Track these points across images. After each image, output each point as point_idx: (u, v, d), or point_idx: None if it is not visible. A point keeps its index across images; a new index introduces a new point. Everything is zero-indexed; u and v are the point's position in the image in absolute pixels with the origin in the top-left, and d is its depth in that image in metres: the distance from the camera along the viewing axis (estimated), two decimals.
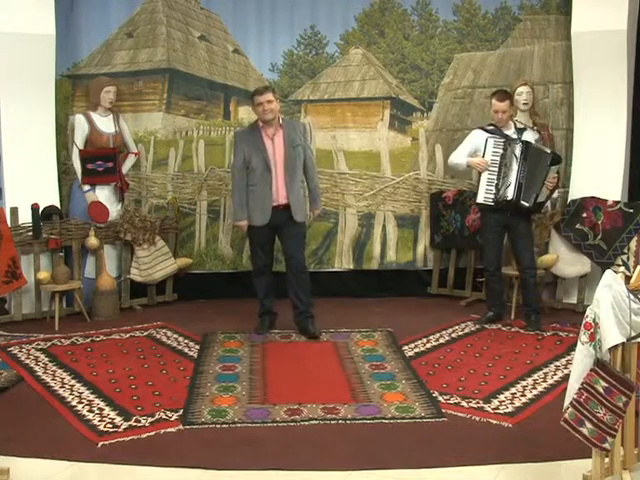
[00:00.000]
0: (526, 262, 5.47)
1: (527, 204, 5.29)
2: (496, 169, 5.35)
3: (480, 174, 5.45)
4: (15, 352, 4.96)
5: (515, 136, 5.39)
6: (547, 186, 5.34)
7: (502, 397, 4.15)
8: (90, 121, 5.98)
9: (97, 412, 3.97)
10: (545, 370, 4.59)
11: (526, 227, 5.49)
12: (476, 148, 5.48)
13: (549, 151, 5.37)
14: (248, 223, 5.18)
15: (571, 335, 5.16)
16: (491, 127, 5.49)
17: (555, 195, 6.05)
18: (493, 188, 5.36)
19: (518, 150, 5.29)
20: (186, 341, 5.25)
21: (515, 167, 5.28)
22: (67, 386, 4.36)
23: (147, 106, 6.42)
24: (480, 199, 5.43)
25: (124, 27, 6.34)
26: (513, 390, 4.26)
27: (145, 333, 5.44)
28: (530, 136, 5.45)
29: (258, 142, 5.10)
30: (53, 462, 3.42)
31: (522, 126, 5.58)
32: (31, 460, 3.45)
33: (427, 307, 6.22)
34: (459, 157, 5.57)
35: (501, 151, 5.34)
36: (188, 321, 5.72)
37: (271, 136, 5.12)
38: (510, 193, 5.29)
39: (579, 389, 2.97)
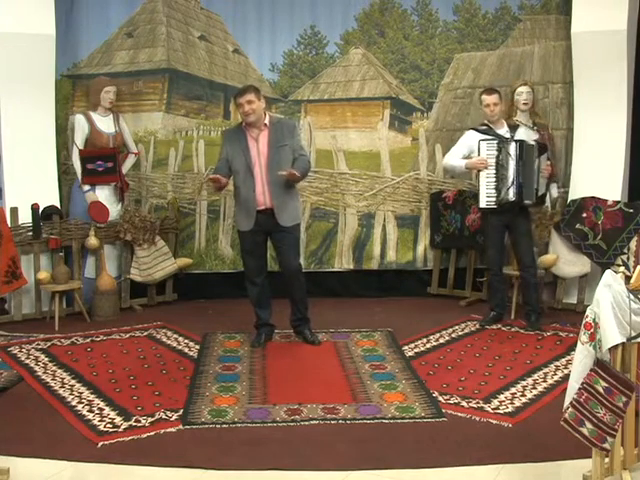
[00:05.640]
0: (527, 261, 5.47)
1: (530, 202, 5.31)
2: (493, 171, 5.34)
3: (479, 177, 5.44)
4: (15, 352, 4.97)
5: (508, 135, 5.39)
6: (543, 175, 5.37)
7: (502, 397, 4.15)
8: (90, 121, 5.98)
9: (97, 412, 3.97)
10: (545, 370, 4.59)
11: (526, 224, 5.49)
12: (470, 149, 5.47)
13: (533, 142, 5.36)
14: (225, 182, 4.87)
15: (571, 335, 5.17)
16: (484, 127, 5.49)
17: (555, 194, 6.06)
18: (493, 191, 5.34)
19: (512, 149, 5.27)
20: (186, 341, 5.25)
21: (512, 167, 5.27)
22: (67, 386, 4.36)
23: (147, 106, 6.42)
24: (482, 204, 5.41)
25: (124, 27, 6.35)
26: (513, 390, 4.26)
27: (145, 333, 5.44)
28: (524, 133, 5.45)
29: (242, 143, 4.87)
30: (53, 462, 3.42)
31: (514, 124, 5.58)
32: (31, 460, 3.45)
33: (427, 307, 6.22)
34: (455, 160, 5.55)
35: (495, 152, 5.32)
36: (188, 321, 5.72)
37: (255, 137, 4.88)
38: (512, 194, 5.29)
39: (579, 389, 2.97)
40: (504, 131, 5.44)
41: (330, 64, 6.56)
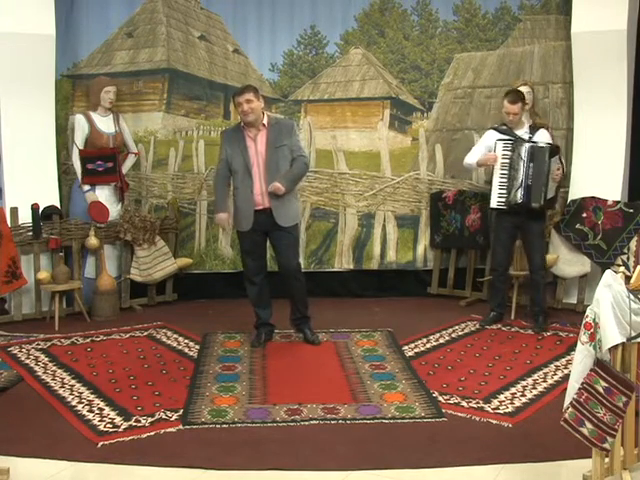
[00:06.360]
0: (538, 263, 5.46)
1: (537, 205, 5.27)
2: (506, 172, 5.33)
3: (492, 177, 5.42)
4: (15, 352, 4.97)
5: (527, 136, 5.37)
6: (554, 179, 5.32)
7: (502, 397, 4.15)
8: (90, 121, 5.98)
9: (97, 412, 3.97)
10: (545, 370, 4.59)
11: (539, 227, 5.47)
12: (489, 149, 5.46)
13: (545, 144, 5.32)
14: (229, 218, 5.01)
15: (571, 335, 5.17)
16: (504, 127, 5.48)
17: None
18: (504, 191, 5.34)
19: (523, 151, 5.26)
20: (186, 341, 5.26)
21: (521, 169, 5.27)
22: (67, 386, 4.36)
23: (147, 106, 6.42)
24: (493, 204, 5.41)
25: (124, 27, 6.35)
26: (513, 390, 4.26)
27: (145, 333, 5.44)
28: (542, 135, 5.42)
29: (240, 143, 4.89)
30: (53, 462, 3.43)
31: (536, 125, 5.55)
32: (31, 460, 3.45)
33: (427, 307, 6.22)
34: (471, 158, 5.56)
35: (509, 153, 5.33)
36: (188, 321, 5.72)
37: (253, 137, 4.89)
38: (519, 196, 5.28)
39: (579, 389, 2.98)
40: (523, 132, 5.41)
41: (330, 64, 6.56)
